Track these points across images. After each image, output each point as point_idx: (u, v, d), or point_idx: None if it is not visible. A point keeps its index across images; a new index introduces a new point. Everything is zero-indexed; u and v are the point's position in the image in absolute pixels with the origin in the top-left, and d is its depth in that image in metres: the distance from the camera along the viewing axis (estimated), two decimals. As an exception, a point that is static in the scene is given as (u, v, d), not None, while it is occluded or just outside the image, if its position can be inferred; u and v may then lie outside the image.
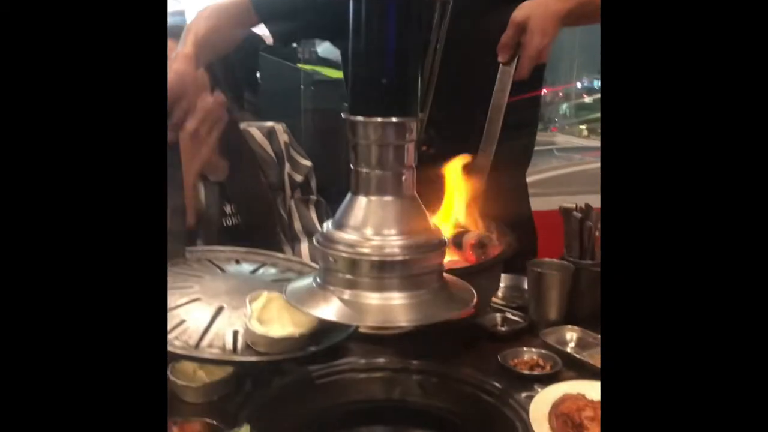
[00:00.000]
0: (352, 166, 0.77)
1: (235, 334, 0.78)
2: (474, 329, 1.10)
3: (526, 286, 1.37)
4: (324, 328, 0.79)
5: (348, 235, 0.76)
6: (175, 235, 0.98)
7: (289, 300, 0.79)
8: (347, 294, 0.77)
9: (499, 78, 1.09)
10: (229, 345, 0.77)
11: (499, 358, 1.01)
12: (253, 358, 0.77)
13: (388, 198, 0.77)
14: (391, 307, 0.77)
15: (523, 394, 0.92)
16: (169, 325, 0.77)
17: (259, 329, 0.76)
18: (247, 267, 1.06)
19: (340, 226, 0.78)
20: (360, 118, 0.74)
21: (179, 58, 1.03)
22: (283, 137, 1.54)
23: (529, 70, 1.07)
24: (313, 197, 1.58)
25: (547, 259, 1.20)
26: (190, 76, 1.01)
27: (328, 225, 0.79)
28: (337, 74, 3.16)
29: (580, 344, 1.10)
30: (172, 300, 0.82)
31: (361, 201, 0.77)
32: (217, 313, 0.81)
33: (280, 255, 1.18)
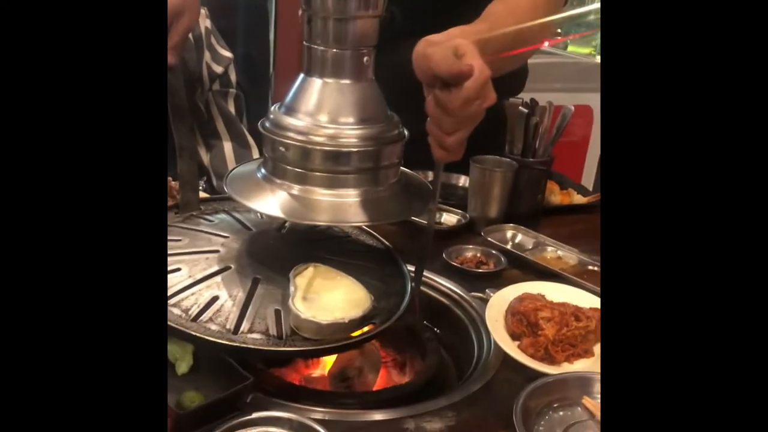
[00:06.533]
0: (305, 43, 0.67)
1: (278, 314, 0.67)
2: (413, 225, 1.06)
3: (459, 184, 1.34)
4: (379, 307, 0.69)
5: (300, 122, 0.68)
6: (185, 181, 0.84)
7: (231, 193, 0.70)
8: (296, 189, 0.70)
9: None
10: (273, 329, 0.65)
11: (444, 255, 0.98)
12: (304, 348, 0.65)
13: (345, 81, 0.68)
14: (344, 204, 0.70)
15: (471, 293, 0.89)
16: (202, 302, 0.67)
17: (304, 313, 0.65)
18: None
19: (290, 110, 0.69)
20: (317, -15, 0.64)
21: None
22: (205, 23, 1.38)
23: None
24: (233, 90, 1.45)
25: (489, 156, 1.15)
26: None
27: (276, 109, 0.70)
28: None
29: (522, 242, 1.09)
30: (198, 268, 0.71)
31: (316, 83, 0.68)
32: (253, 288, 0.68)
33: None
